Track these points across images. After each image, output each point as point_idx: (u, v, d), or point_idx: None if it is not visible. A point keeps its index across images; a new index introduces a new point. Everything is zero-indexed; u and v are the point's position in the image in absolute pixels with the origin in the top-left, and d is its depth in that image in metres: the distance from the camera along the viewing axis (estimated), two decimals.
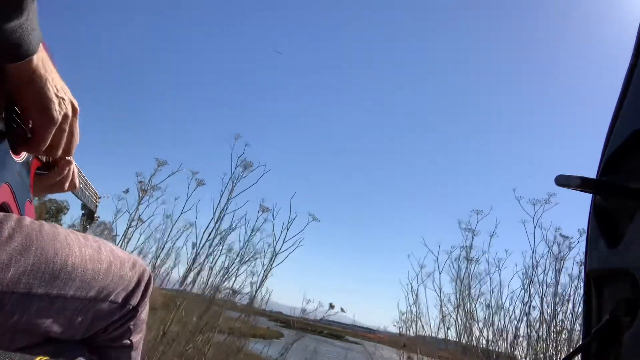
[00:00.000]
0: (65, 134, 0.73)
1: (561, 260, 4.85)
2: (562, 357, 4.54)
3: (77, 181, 1.02)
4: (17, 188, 0.75)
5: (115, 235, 4.85)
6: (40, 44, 0.64)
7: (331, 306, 4.86)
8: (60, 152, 0.74)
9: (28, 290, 0.66)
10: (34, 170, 0.85)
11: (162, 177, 4.97)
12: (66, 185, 1.00)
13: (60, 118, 0.69)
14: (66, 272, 0.71)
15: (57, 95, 0.68)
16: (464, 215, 5.41)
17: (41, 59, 0.65)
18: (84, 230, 1.38)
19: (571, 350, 4.35)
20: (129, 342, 0.89)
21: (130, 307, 0.86)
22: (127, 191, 4.97)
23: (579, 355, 0.63)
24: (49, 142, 0.71)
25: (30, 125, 0.70)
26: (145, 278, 0.90)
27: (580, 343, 0.63)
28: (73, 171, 0.99)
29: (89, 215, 1.36)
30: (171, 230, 5.00)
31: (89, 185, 1.22)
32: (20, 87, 0.65)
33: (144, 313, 0.91)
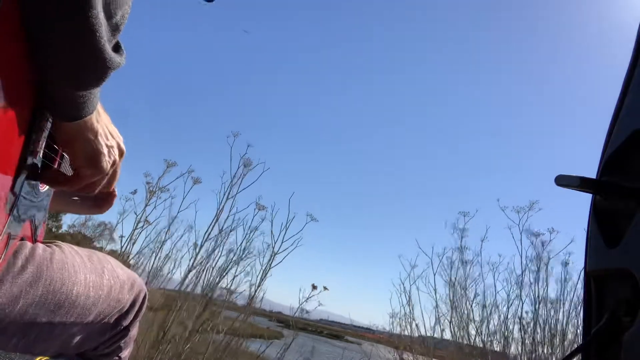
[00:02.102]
0: (108, 177, 0.71)
1: (547, 263, 4.89)
2: (558, 358, 4.55)
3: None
4: (37, 217, 0.75)
5: (121, 236, 4.83)
6: None
7: (313, 287, 4.80)
8: (97, 190, 0.72)
9: (33, 320, 0.68)
10: (53, 194, 0.85)
11: (170, 179, 4.96)
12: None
13: (108, 168, 0.67)
14: (70, 301, 0.73)
15: (106, 145, 0.66)
16: (452, 218, 5.45)
17: (95, 111, 0.63)
18: None
19: (570, 350, 4.36)
20: (117, 358, 0.91)
21: (122, 328, 0.88)
22: (135, 192, 4.97)
23: (579, 355, 0.63)
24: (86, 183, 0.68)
25: (74, 169, 0.67)
26: (140, 299, 0.92)
27: (580, 343, 0.63)
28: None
29: None
30: (168, 229, 4.99)
31: None
32: (71, 138, 0.62)
33: (134, 330, 0.93)
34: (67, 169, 0.84)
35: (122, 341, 0.89)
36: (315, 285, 4.78)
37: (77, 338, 0.79)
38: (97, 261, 0.83)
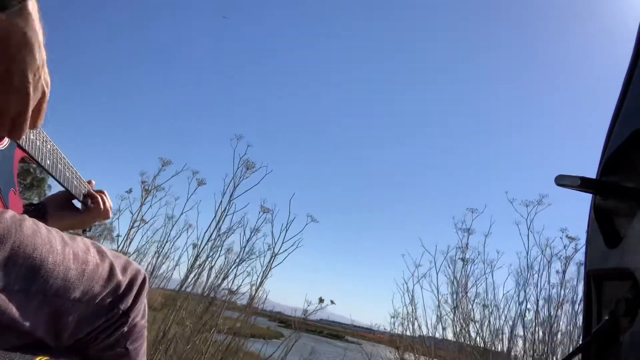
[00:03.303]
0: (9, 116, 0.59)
1: (556, 260, 4.86)
2: (559, 358, 4.55)
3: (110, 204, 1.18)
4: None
5: (118, 236, 4.84)
6: (30, 10, 0.51)
7: (321, 300, 4.83)
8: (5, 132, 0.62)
9: (4, 284, 0.64)
10: (17, 160, 0.85)
11: (165, 177, 4.95)
12: (110, 213, 1.18)
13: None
14: (46, 270, 0.69)
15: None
16: (459, 214, 5.39)
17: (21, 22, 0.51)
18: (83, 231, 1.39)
19: (571, 350, 4.36)
20: (123, 350, 0.85)
21: (120, 312, 0.81)
22: (130, 191, 4.95)
23: (579, 355, 0.63)
24: None
25: None
26: (139, 281, 0.85)
27: (580, 343, 0.63)
28: (106, 198, 1.14)
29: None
30: (171, 230, 4.99)
31: (80, 178, 1.22)
32: None
33: (140, 318, 0.86)
34: None
35: (124, 329, 0.83)
36: (322, 298, 4.81)
37: (67, 318, 0.74)
38: (80, 240, 0.79)
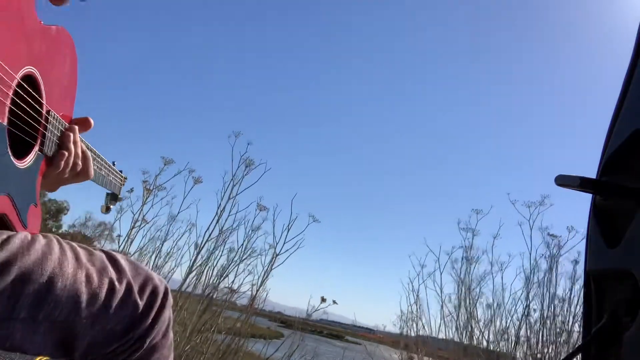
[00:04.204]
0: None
1: (557, 260, 4.85)
2: (562, 358, 4.55)
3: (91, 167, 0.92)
4: (18, 196, 0.72)
5: (119, 236, 4.83)
6: None
7: (323, 300, 4.83)
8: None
9: (9, 312, 0.62)
10: (42, 173, 0.82)
11: (167, 177, 4.94)
12: (90, 170, 0.91)
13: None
14: (55, 296, 0.66)
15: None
16: (464, 216, 5.38)
17: None
18: (107, 210, 1.34)
19: (571, 350, 4.36)
20: None
21: (135, 337, 0.76)
22: (131, 190, 4.94)
23: (579, 355, 0.63)
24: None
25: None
26: (158, 300, 0.79)
27: (580, 343, 0.63)
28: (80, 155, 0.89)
29: (112, 197, 1.32)
30: (169, 229, 4.99)
31: (112, 168, 1.18)
32: None
33: (160, 337, 0.80)
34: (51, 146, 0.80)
35: (141, 352, 0.77)
36: (324, 298, 4.81)
37: (77, 344, 0.71)
38: (99, 258, 0.76)
